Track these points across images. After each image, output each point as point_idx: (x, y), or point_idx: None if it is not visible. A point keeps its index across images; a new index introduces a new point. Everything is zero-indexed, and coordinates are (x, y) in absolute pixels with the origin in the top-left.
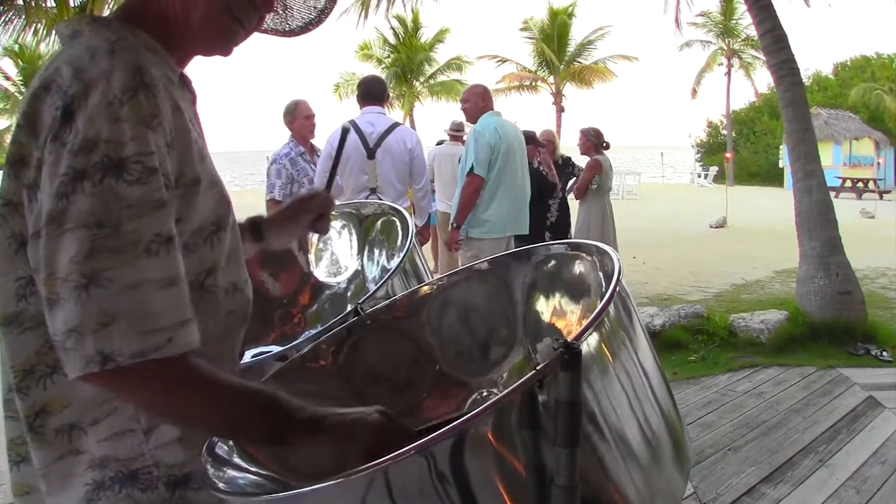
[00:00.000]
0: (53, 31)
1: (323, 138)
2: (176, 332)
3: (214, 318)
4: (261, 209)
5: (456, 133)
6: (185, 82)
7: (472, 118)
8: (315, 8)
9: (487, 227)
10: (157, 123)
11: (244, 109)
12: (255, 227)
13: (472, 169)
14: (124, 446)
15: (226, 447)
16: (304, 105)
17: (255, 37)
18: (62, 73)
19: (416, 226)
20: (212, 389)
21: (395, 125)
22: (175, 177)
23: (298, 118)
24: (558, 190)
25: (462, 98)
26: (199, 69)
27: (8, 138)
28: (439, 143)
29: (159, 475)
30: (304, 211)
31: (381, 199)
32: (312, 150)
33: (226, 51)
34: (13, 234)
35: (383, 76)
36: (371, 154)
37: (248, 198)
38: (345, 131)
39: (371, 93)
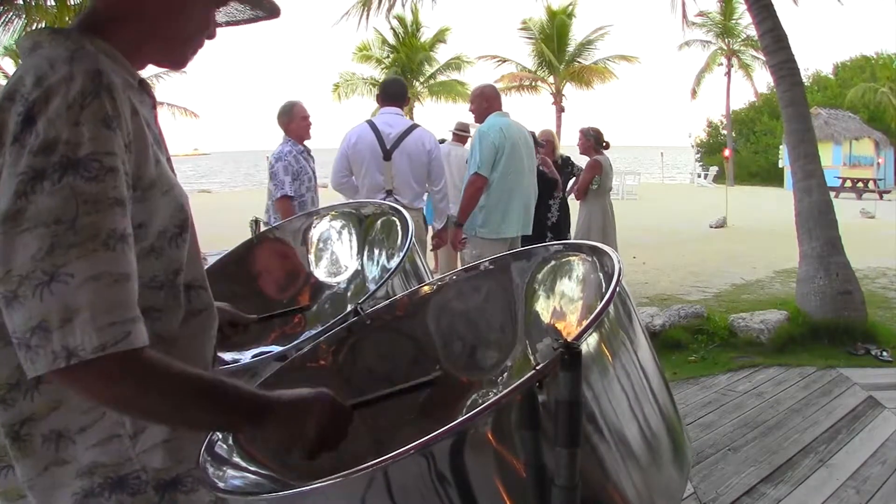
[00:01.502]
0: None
1: (318, 140)
2: (134, 327)
3: (185, 316)
4: (259, 210)
5: (461, 133)
6: (143, 87)
7: (479, 119)
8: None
9: (493, 228)
10: (117, 125)
11: (242, 110)
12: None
13: (476, 170)
14: (112, 452)
15: (225, 447)
16: (300, 106)
17: (255, 37)
18: (24, 83)
19: (433, 228)
20: (166, 385)
21: (414, 126)
22: (133, 179)
23: (296, 119)
24: (559, 187)
25: (469, 100)
26: (198, 69)
27: None
28: (440, 142)
29: (148, 479)
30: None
31: (397, 200)
32: (308, 151)
33: (180, 66)
34: None
35: (383, 76)
36: (388, 155)
37: (247, 198)
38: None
39: (390, 93)
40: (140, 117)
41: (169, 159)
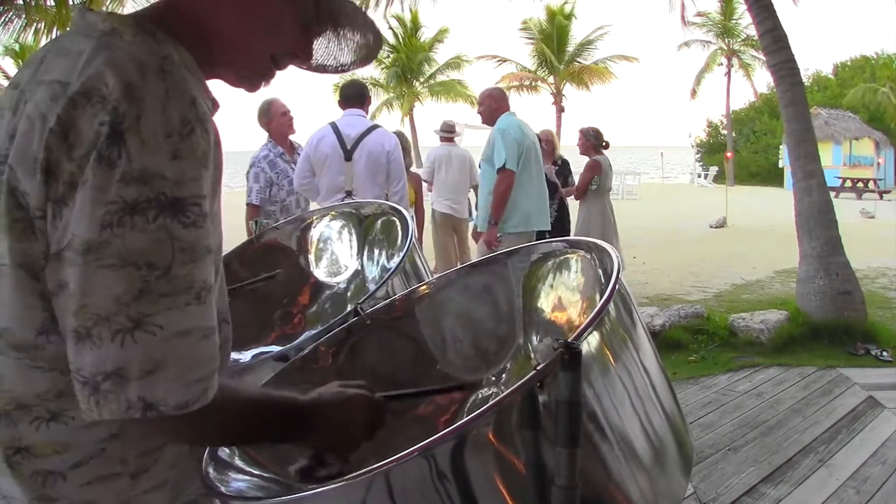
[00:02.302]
0: (74, 17)
1: (304, 134)
2: (212, 381)
3: None
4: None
5: (447, 134)
6: (215, 109)
7: (487, 119)
8: (365, 44)
9: (514, 222)
10: (209, 163)
11: (242, 110)
12: None
13: (503, 165)
14: (109, 491)
15: (227, 451)
16: (277, 102)
17: None
18: (107, 83)
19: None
20: (235, 419)
21: (374, 127)
22: None
23: (275, 117)
24: (559, 191)
25: (477, 103)
26: None
27: None
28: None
29: None
30: None
31: (354, 201)
32: (292, 149)
33: (253, 88)
34: (24, 251)
35: (383, 76)
36: (348, 156)
37: (231, 199)
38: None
39: (349, 95)
40: (220, 147)
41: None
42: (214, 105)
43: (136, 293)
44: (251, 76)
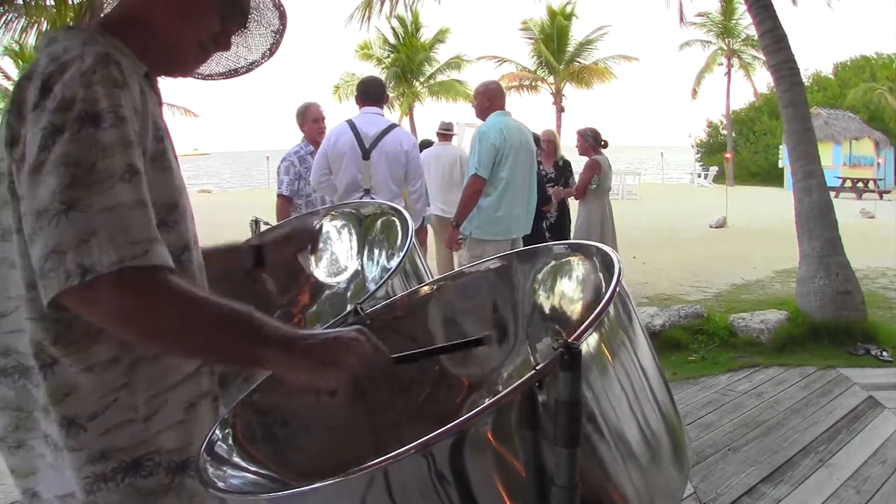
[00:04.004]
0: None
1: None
2: (151, 246)
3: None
4: (258, 210)
5: (445, 133)
6: (151, 81)
7: (480, 116)
8: (271, 31)
9: (493, 229)
10: (127, 89)
11: (243, 110)
12: (257, 251)
13: (475, 171)
14: (125, 436)
15: (225, 446)
16: (313, 109)
17: None
18: (39, 63)
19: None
20: (188, 304)
21: (392, 126)
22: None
23: (307, 121)
24: (548, 204)
25: (473, 95)
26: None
27: None
28: (427, 145)
29: (160, 461)
30: (294, 243)
31: (373, 200)
32: None
33: (186, 73)
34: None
35: (383, 76)
36: (366, 154)
37: (247, 198)
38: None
39: (369, 93)
40: (146, 97)
41: (175, 156)
42: (148, 77)
43: (67, 184)
44: (184, 60)
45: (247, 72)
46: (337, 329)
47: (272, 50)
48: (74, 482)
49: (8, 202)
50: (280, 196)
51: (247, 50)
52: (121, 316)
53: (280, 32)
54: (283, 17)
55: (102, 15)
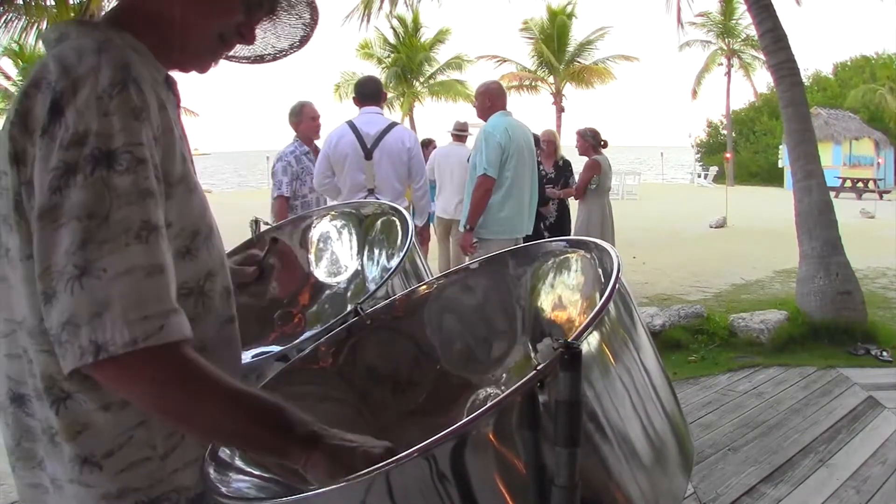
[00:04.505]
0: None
1: (319, 140)
2: (167, 320)
3: (216, 324)
4: (258, 210)
5: (459, 133)
6: (169, 84)
7: (482, 116)
8: (301, 23)
9: (498, 228)
10: (146, 116)
11: (243, 110)
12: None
13: (484, 171)
14: (142, 475)
15: (228, 451)
16: (309, 107)
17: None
18: (50, 70)
19: (415, 225)
20: (211, 387)
21: (393, 125)
22: (162, 174)
23: (304, 120)
24: (548, 204)
25: (474, 96)
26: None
27: None
28: (427, 144)
29: (179, 500)
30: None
31: (378, 199)
32: (317, 151)
33: (203, 69)
34: (28, 242)
35: (383, 76)
36: (368, 154)
37: (247, 198)
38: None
39: (366, 93)
40: (167, 112)
41: (192, 161)
42: (168, 81)
43: (80, 243)
44: (202, 56)
45: (273, 59)
46: (367, 440)
47: (302, 41)
48: None
49: (10, 222)
50: (280, 197)
51: (276, 38)
52: (140, 399)
53: (311, 26)
54: (314, 11)
55: (114, 7)
